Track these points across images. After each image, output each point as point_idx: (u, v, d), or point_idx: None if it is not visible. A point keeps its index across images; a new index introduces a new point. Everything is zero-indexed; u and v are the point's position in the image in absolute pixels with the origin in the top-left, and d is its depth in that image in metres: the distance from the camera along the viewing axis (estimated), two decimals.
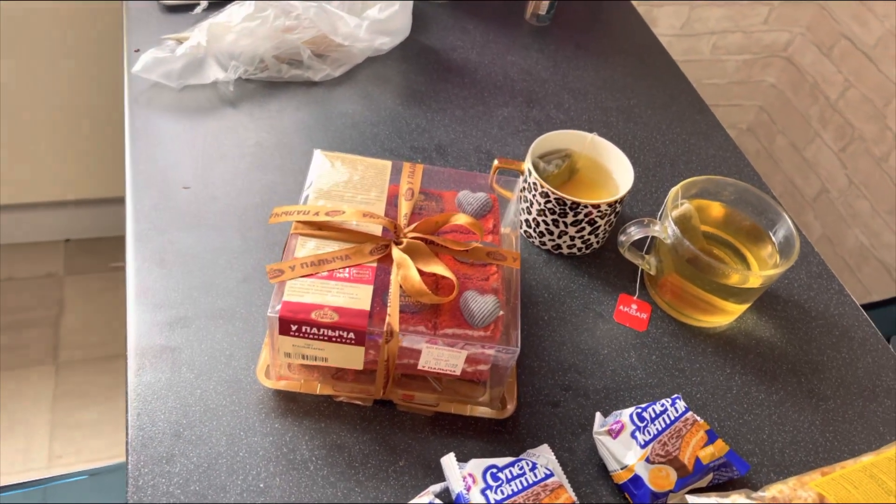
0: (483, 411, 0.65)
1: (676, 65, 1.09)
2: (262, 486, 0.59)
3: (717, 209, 0.77)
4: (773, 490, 0.57)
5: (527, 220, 0.80)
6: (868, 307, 1.37)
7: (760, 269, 0.74)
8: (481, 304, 0.62)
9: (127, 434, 0.60)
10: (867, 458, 0.59)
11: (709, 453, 0.62)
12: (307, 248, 0.63)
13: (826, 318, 0.79)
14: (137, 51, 0.90)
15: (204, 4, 0.96)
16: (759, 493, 0.57)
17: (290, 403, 0.64)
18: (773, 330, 0.77)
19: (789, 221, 0.73)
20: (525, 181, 0.78)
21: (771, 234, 0.75)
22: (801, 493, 0.56)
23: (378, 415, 0.65)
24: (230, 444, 0.61)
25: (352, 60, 0.95)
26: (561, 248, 0.79)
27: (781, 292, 0.81)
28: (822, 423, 0.70)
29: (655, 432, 0.62)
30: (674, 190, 0.74)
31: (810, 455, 0.67)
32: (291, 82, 0.93)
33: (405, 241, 0.63)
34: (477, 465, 0.58)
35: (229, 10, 0.90)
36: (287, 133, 0.87)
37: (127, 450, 0.59)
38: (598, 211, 0.75)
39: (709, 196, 0.77)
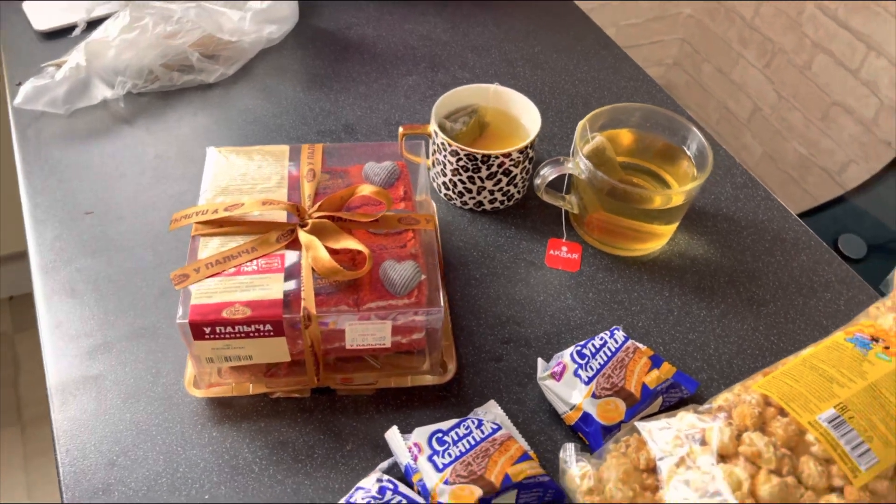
0: (424, 379, 0.64)
1: (577, 6, 1.08)
2: (207, 497, 0.57)
3: (627, 136, 0.76)
4: (719, 400, 0.56)
5: (444, 183, 0.78)
6: (814, 211, 1.39)
7: (680, 186, 0.73)
8: (400, 271, 0.60)
9: (58, 472, 0.58)
10: (806, 352, 0.58)
11: (654, 377, 0.61)
12: (210, 247, 0.60)
13: (756, 225, 0.79)
14: (19, 84, 0.87)
15: (82, 25, 0.92)
16: (706, 406, 0.56)
17: (225, 409, 0.62)
18: (706, 246, 0.77)
19: (699, 134, 0.72)
20: (434, 143, 0.76)
21: (685, 150, 0.74)
22: (745, 397, 0.55)
23: (318, 404, 0.63)
24: (168, 462, 0.59)
25: (244, 56, 0.92)
26: (483, 205, 0.78)
27: (709, 208, 0.81)
28: (765, 328, 0.70)
29: (598, 367, 0.61)
30: (580, 124, 0.72)
31: (757, 361, 0.67)
32: (186, 88, 0.90)
33: (311, 222, 0.61)
34: (421, 433, 0.57)
35: (105, 25, 0.87)
36: (188, 141, 0.84)
37: (60, 489, 0.57)
38: (511, 160, 0.73)
39: (617, 125, 0.76)
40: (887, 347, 0.56)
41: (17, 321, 1.76)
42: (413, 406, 0.63)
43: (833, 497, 0.50)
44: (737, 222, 0.79)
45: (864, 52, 1.61)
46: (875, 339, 0.57)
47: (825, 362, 0.56)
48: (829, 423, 0.52)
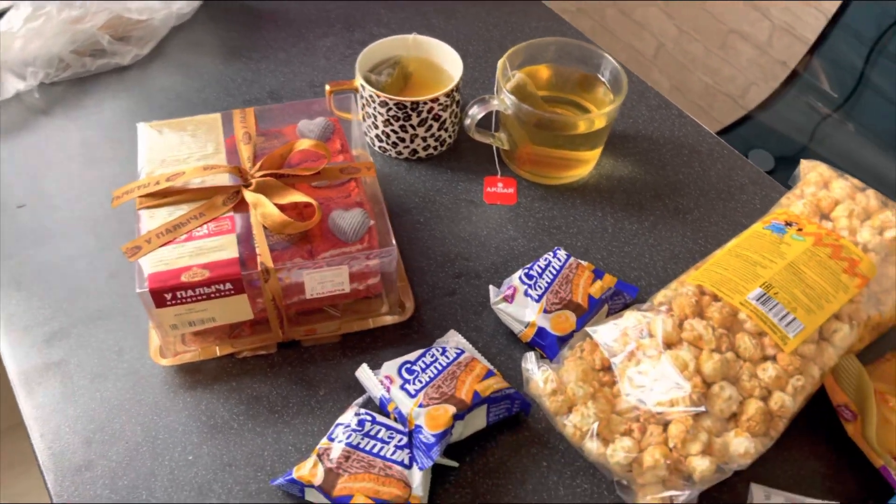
0: (385, 319, 0.66)
1: None
2: (190, 458, 0.58)
3: (544, 71, 0.80)
4: (659, 297, 0.61)
5: (377, 135, 0.80)
6: (722, 132, 1.47)
7: (599, 110, 0.77)
8: (349, 219, 0.62)
9: (36, 457, 0.58)
10: (731, 243, 0.64)
11: (598, 287, 0.66)
12: (158, 218, 0.61)
13: (673, 141, 0.84)
14: None
15: None
16: (648, 304, 0.61)
17: (195, 375, 0.63)
18: (631, 166, 0.82)
19: (612, 60, 0.76)
20: (362, 97, 0.78)
21: (600, 76, 0.78)
22: (682, 290, 0.60)
23: (286, 357, 0.65)
24: (147, 431, 0.60)
25: (156, 34, 0.91)
26: (417, 153, 0.80)
27: (629, 131, 0.85)
28: (692, 233, 0.75)
29: (546, 285, 0.65)
30: (500, 62, 0.75)
31: (689, 263, 0.72)
32: (101, 73, 0.88)
33: (254, 181, 0.63)
34: (391, 366, 0.60)
35: (7, 17, 0.84)
36: (112, 124, 0.83)
37: (41, 471, 0.57)
38: (439, 104, 0.76)
39: (534, 61, 0.79)
40: (800, 229, 0.62)
41: None
42: (378, 346, 0.66)
43: (768, 364, 0.56)
44: (655, 141, 0.84)
45: None
46: (789, 224, 0.63)
47: (748, 249, 0.62)
48: (758, 300, 0.57)
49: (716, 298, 0.59)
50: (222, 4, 0.98)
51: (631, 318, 0.59)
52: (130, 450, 0.58)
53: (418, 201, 0.77)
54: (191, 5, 0.93)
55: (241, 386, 0.63)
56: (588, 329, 0.60)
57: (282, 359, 0.65)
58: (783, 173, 1.38)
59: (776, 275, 0.59)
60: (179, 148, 0.66)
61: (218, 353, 0.63)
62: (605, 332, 0.59)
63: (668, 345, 0.57)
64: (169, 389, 0.62)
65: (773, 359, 0.56)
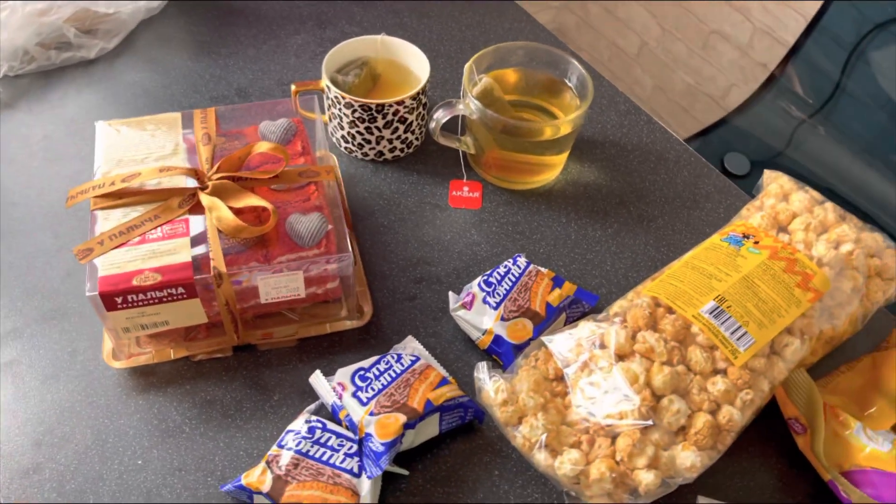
0: (343, 324, 0.66)
1: None
2: (140, 462, 0.58)
3: (511, 75, 0.79)
4: (615, 307, 0.61)
5: (343, 136, 0.80)
6: (700, 133, 1.47)
7: (566, 116, 0.77)
8: (306, 223, 0.62)
9: None
10: (688, 255, 0.64)
11: (556, 295, 0.66)
12: (112, 219, 0.60)
13: (641, 148, 0.84)
14: None
15: None
16: (603, 314, 0.61)
17: (149, 378, 0.63)
18: (597, 172, 0.82)
19: (579, 66, 0.76)
20: (328, 98, 0.77)
21: (567, 82, 0.78)
22: (637, 301, 0.60)
23: (242, 361, 0.64)
24: (97, 435, 0.59)
25: (124, 28, 0.90)
26: (384, 154, 0.80)
27: (597, 136, 0.85)
28: (655, 241, 0.76)
29: (504, 292, 0.65)
30: (467, 66, 0.75)
31: (650, 271, 0.72)
32: (66, 66, 0.87)
33: (211, 184, 0.62)
34: (344, 372, 0.60)
35: None
36: (76, 119, 0.82)
37: None
38: (404, 107, 0.76)
39: (502, 65, 0.79)
40: (757, 242, 0.63)
41: None
42: (335, 351, 0.65)
43: (718, 378, 0.56)
44: (623, 147, 0.84)
45: None
46: (746, 236, 0.63)
47: (704, 261, 0.62)
48: (710, 313, 0.58)
49: (670, 311, 0.59)
50: None
51: (585, 328, 0.59)
52: (79, 453, 0.58)
53: (383, 204, 0.77)
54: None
55: (195, 389, 0.62)
56: (543, 338, 0.60)
57: (237, 362, 0.64)
58: (758, 178, 1.39)
59: (730, 288, 0.59)
60: (137, 147, 0.65)
61: (172, 357, 0.63)
62: (560, 342, 0.59)
63: (621, 356, 0.57)
64: (121, 392, 0.62)
65: (724, 372, 0.56)
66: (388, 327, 0.67)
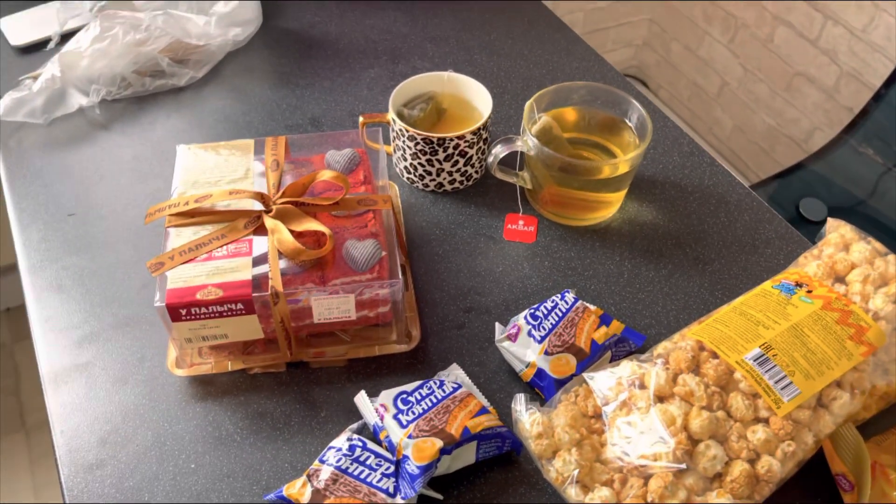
0: (391, 348, 0.69)
1: None
2: (193, 466, 0.62)
3: (571, 113, 0.81)
4: (659, 349, 0.61)
5: (405, 167, 0.83)
6: (778, 176, 1.44)
7: (624, 155, 0.78)
8: (361, 249, 0.65)
9: (54, 452, 0.62)
10: (737, 300, 0.63)
11: (602, 333, 0.66)
12: (183, 236, 0.65)
13: (702, 190, 0.84)
14: None
15: (56, 38, 0.96)
16: (647, 355, 0.61)
17: (207, 387, 0.67)
18: (655, 212, 0.82)
19: (639, 106, 0.77)
20: (393, 130, 0.81)
21: (626, 121, 0.79)
22: (681, 343, 0.60)
23: (294, 377, 0.68)
24: (156, 437, 0.63)
25: (212, 58, 0.97)
26: (443, 186, 0.83)
27: (658, 176, 0.85)
28: (709, 284, 0.75)
29: (550, 326, 0.66)
30: (527, 104, 0.77)
31: (701, 314, 0.72)
32: (158, 93, 0.94)
33: (275, 208, 0.66)
34: (387, 395, 0.62)
35: (77, 37, 0.91)
36: (162, 142, 0.89)
37: (57, 466, 0.61)
38: (465, 141, 0.78)
39: (562, 103, 0.80)
40: (810, 291, 0.61)
41: (14, 331, 1.80)
42: (382, 373, 0.68)
43: (759, 427, 0.55)
44: (683, 188, 0.84)
45: (822, 21, 1.65)
46: (799, 285, 0.62)
47: (753, 308, 0.61)
48: (755, 361, 0.57)
49: (714, 356, 0.58)
50: (275, 32, 1.03)
51: (627, 367, 0.60)
52: (139, 453, 0.62)
53: (439, 233, 0.79)
54: (246, 32, 0.98)
55: (249, 401, 0.66)
56: (585, 374, 0.61)
57: (290, 378, 0.68)
58: None
59: (778, 336, 0.58)
60: (212, 171, 0.70)
61: (230, 369, 0.67)
62: (601, 380, 0.60)
63: (660, 398, 0.57)
64: (181, 399, 0.66)
65: (766, 421, 0.55)
66: (434, 353, 0.69)
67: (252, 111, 0.93)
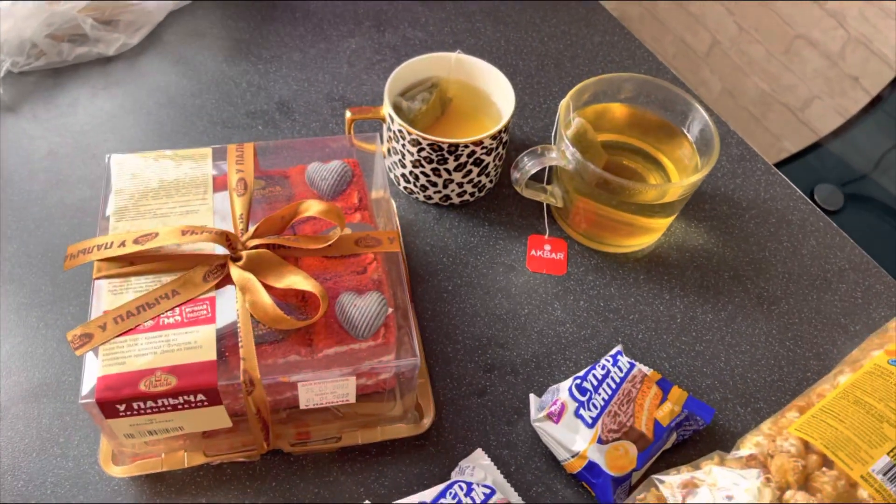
0: (397, 430, 0.53)
1: None
2: None
3: (618, 111, 0.65)
4: (749, 444, 0.48)
5: (404, 175, 0.66)
6: (789, 159, 1.31)
7: (679, 172, 0.63)
8: (362, 307, 0.49)
9: None
10: (845, 380, 0.50)
11: (667, 412, 0.53)
12: (119, 291, 0.48)
13: (758, 205, 0.70)
14: None
15: None
16: (735, 454, 0.48)
17: (156, 485, 0.51)
18: (706, 235, 0.67)
19: (703, 112, 0.62)
20: (389, 129, 0.64)
21: (684, 130, 0.63)
22: (781, 443, 0.47)
23: (271, 467, 0.52)
24: None
25: (150, 20, 0.76)
26: (451, 199, 0.66)
27: (706, 187, 0.71)
28: (778, 332, 0.62)
29: (602, 404, 0.52)
30: (563, 103, 0.61)
31: (774, 373, 0.59)
32: (80, 63, 0.74)
33: (245, 254, 0.49)
34: None
35: None
36: (87, 131, 0.69)
37: None
38: (483, 148, 0.62)
39: (605, 98, 0.64)
40: None
41: None
42: (385, 462, 0.53)
43: None
44: (737, 203, 0.70)
45: None
46: None
47: (870, 394, 0.48)
48: (884, 474, 0.44)
49: (827, 462, 0.45)
50: None
51: (713, 473, 0.46)
52: None
53: (447, 262, 0.64)
54: None
55: (214, 502, 0.50)
56: (656, 478, 0.47)
57: (266, 468, 0.52)
58: (853, 215, 1.23)
59: None
60: (157, 193, 0.52)
61: (186, 464, 0.50)
62: (679, 487, 0.46)
63: None
64: None
65: None
66: (451, 431, 0.55)
67: (204, 91, 0.73)
